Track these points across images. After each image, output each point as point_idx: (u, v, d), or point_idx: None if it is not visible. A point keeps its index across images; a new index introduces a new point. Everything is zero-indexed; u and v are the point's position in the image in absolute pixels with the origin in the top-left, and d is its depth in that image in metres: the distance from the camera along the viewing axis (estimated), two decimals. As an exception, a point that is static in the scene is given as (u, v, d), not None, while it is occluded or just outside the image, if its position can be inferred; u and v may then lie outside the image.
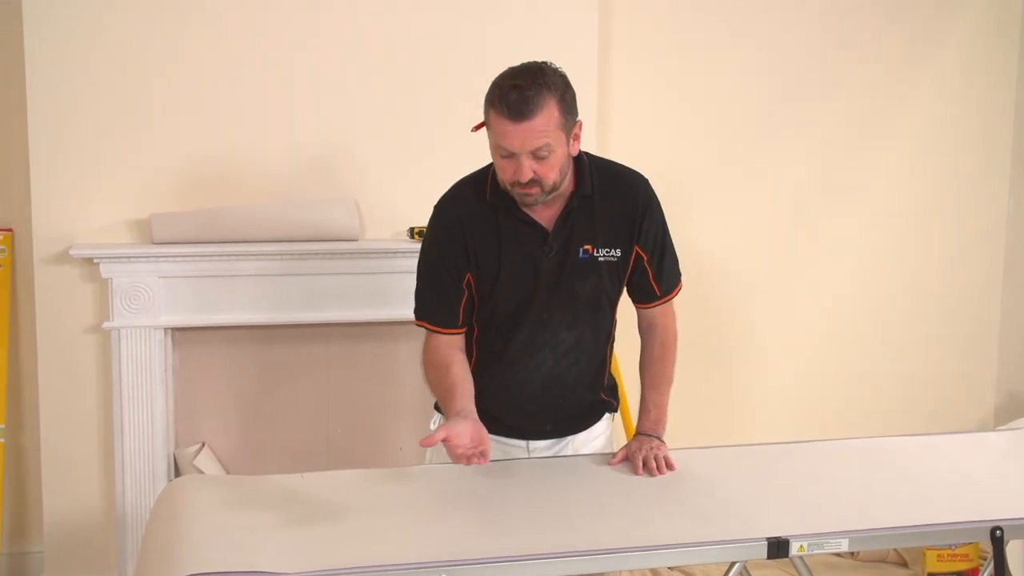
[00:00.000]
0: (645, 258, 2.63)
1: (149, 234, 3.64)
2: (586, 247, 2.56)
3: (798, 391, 4.49)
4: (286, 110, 3.74)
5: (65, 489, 3.74)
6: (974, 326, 4.64)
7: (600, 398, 2.77)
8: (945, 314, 4.60)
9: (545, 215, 2.55)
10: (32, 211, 3.62)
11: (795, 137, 4.35)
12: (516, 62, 3.78)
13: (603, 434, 2.81)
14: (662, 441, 2.65)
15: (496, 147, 2.43)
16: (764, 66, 4.29)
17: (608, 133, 4.10)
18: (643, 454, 2.59)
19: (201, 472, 3.71)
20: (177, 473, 3.77)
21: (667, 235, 2.67)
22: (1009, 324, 4.62)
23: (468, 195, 2.60)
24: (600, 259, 2.57)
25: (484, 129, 2.48)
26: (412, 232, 3.75)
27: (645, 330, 2.75)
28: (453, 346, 2.61)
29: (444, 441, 2.35)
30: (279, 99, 3.73)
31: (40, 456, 3.73)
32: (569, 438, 2.74)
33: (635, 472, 2.56)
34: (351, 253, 3.71)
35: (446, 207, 2.62)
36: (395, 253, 3.72)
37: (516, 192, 2.46)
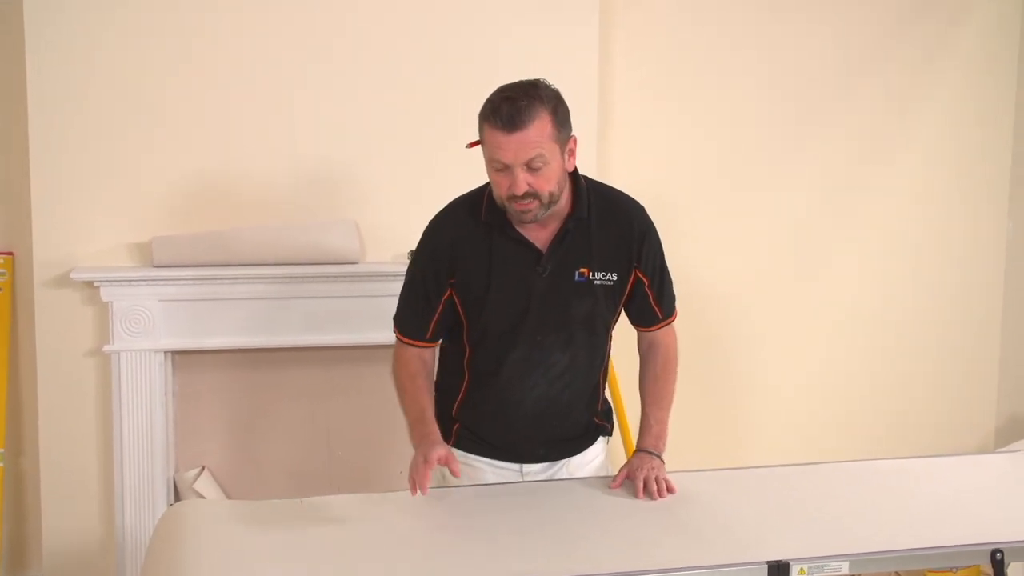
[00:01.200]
0: (646, 282, 2.65)
1: (150, 257, 3.64)
2: (582, 270, 2.57)
3: (799, 413, 4.48)
4: (287, 133, 3.75)
5: (64, 513, 3.73)
6: (975, 349, 4.63)
7: (594, 422, 2.77)
8: (946, 337, 4.59)
9: (540, 236, 2.56)
10: (33, 234, 3.63)
11: (797, 157, 4.35)
12: (513, 77, 3.82)
13: (597, 457, 2.80)
14: (662, 460, 2.64)
15: (491, 161, 2.45)
16: (767, 83, 4.29)
17: (608, 150, 4.11)
18: (643, 474, 2.58)
19: (201, 496, 3.71)
20: (177, 497, 3.76)
21: (664, 260, 2.69)
22: (1009, 347, 4.62)
23: (462, 213, 2.61)
24: (596, 282, 2.58)
25: (480, 148, 2.49)
26: (412, 255, 3.76)
27: (646, 350, 2.77)
28: (420, 358, 2.67)
29: (442, 462, 2.46)
30: (280, 122, 3.74)
31: (40, 480, 3.72)
32: (563, 461, 2.74)
33: (635, 495, 2.55)
34: (352, 276, 3.71)
35: (438, 225, 2.65)
36: (396, 276, 3.69)
37: (513, 208, 2.47)
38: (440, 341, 2.70)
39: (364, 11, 3.76)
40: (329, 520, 2.43)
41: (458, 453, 2.69)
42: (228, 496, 3.81)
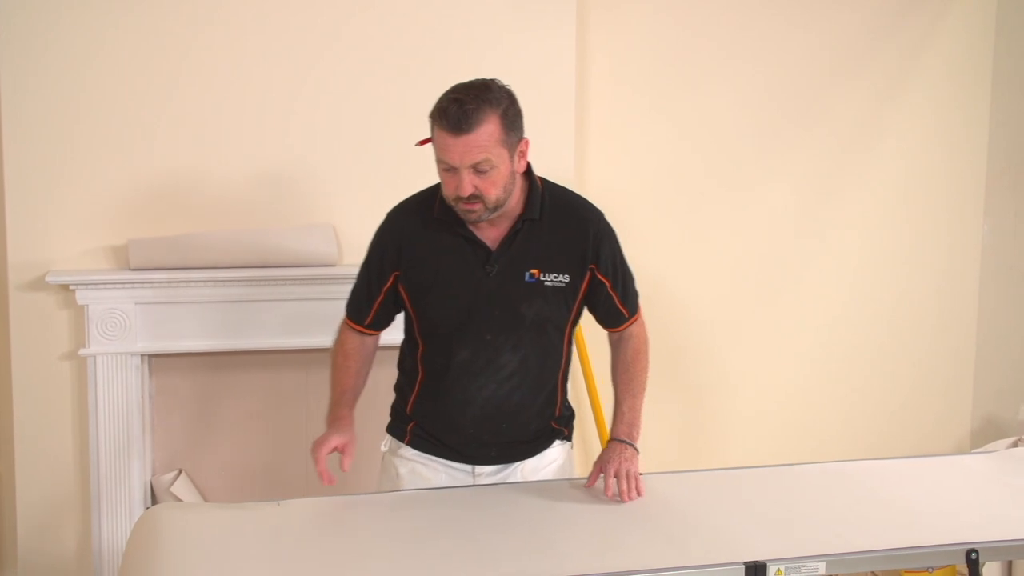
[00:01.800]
0: (607, 284, 2.66)
1: (126, 260, 3.63)
2: (532, 271, 2.57)
3: (776, 416, 4.50)
4: (263, 136, 3.74)
5: (41, 517, 3.72)
6: (950, 351, 4.66)
7: (550, 426, 2.76)
8: (921, 339, 4.62)
9: (490, 235, 2.57)
10: (7, 238, 3.61)
11: (774, 158, 4.37)
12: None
13: (554, 462, 2.78)
14: (636, 449, 2.63)
15: (438, 161, 2.46)
16: (745, 84, 4.30)
17: (585, 151, 4.12)
18: (615, 467, 2.57)
19: (178, 499, 3.69)
20: (154, 501, 3.75)
21: (624, 260, 2.71)
22: (984, 349, 4.65)
23: (415, 208, 2.64)
24: (547, 284, 2.58)
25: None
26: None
27: (617, 342, 2.78)
28: (359, 340, 2.73)
29: (339, 450, 2.56)
30: (256, 125, 3.73)
31: (15, 484, 3.70)
32: (517, 464, 2.73)
33: (605, 491, 2.56)
34: (328, 278, 3.71)
35: (391, 217, 2.68)
36: (373, 279, 3.72)
37: (459, 208, 2.48)
38: (380, 331, 2.75)
39: (339, 15, 3.76)
40: (306, 522, 2.42)
41: (411, 452, 2.72)
42: (205, 499, 3.80)
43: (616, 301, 2.69)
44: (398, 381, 2.80)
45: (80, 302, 3.58)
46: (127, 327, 3.60)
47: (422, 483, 2.69)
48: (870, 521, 2.48)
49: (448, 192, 2.47)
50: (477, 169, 2.42)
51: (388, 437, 2.81)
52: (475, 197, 2.44)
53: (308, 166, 3.78)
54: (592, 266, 2.63)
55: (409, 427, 2.73)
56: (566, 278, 2.60)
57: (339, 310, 3.67)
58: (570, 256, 2.60)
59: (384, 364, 2.85)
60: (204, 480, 3.86)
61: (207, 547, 2.26)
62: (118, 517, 3.64)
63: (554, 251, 2.59)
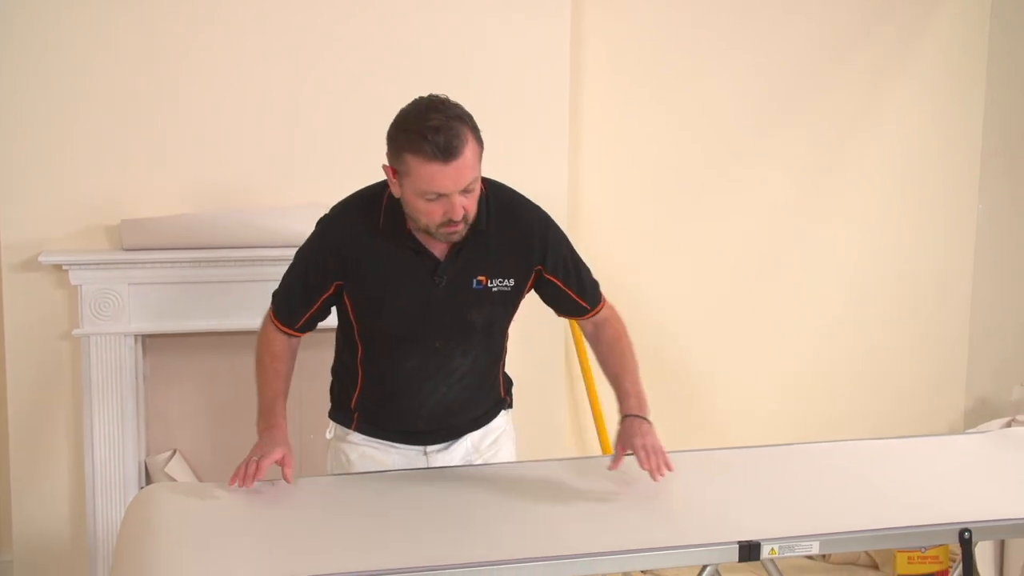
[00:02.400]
0: (559, 283, 2.63)
1: (119, 240, 3.62)
2: (480, 277, 2.54)
3: (771, 398, 4.50)
4: (257, 116, 3.73)
5: (34, 497, 3.72)
6: (944, 332, 4.67)
7: (495, 400, 2.77)
8: (916, 320, 4.63)
9: (438, 245, 2.51)
10: (0, 217, 3.59)
11: (770, 143, 4.37)
12: (481, 81, 3.83)
13: (500, 428, 2.78)
14: (650, 422, 2.58)
15: (420, 193, 2.36)
16: (741, 73, 4.31)
17: (580, 142, 4.12)
18: (640, 441, 2.51)
19: (172, 479, 3.69)
20: (148, 481, 3.75)
21: (575, 255, 2.67)
22: (978, 331, 4.65)
23: (357, 216, 2.56)
24: (494, 290, 2.55)
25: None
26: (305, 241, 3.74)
27: (592, 332, 2.76)
28: (287, 341, 2.66)
29: (279, 463, 2.49)
30: (250, 105, 3.72)
31: (9, 464, 3.70)
32: (466, 436, 2.73)
33: (640, 465, 2.48)
34: (323, 259, 3.70)
35: (332, 224, 2.60)
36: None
37: (442, 232, 2.42)
38: (307, 333, 2.69)
39: (334, -1, 3.75)
40: (301, 501, 2.42)
41: (359, 437, 2.71)
42: (200, 479, 3.80)
43: (572, 296, 2.66)
44: (336, 369, 2.77)
45: (73, 282, 3.57)
46: (121, 307, 3.60)
47: (374, 465, 2.68)
48: (863, 501, 2.49)
49: (431, 220, 2.39)
50: (465, 191, 2.37)
51: (332, 424, 2.78)
52: (462, 218, 2.39)
53: (301, 146, 3.78)
54: (539, 267, 2.60)
55: (355, 415, 2.71)
56: (511, 282, 2.57)
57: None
58: (515, 260, 2.57)
59: (321, 346, 2.82)
60: (198, 460, 3.86)
61: (201, 527, 2.27)
62: (113, 497, 3.64)
63: (499, 257, 2.55)
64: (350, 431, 2.72)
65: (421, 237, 2.49)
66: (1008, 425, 3.90)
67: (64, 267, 3.56)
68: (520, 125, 3.83)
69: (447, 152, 2.31)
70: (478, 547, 2.18)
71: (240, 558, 2.09)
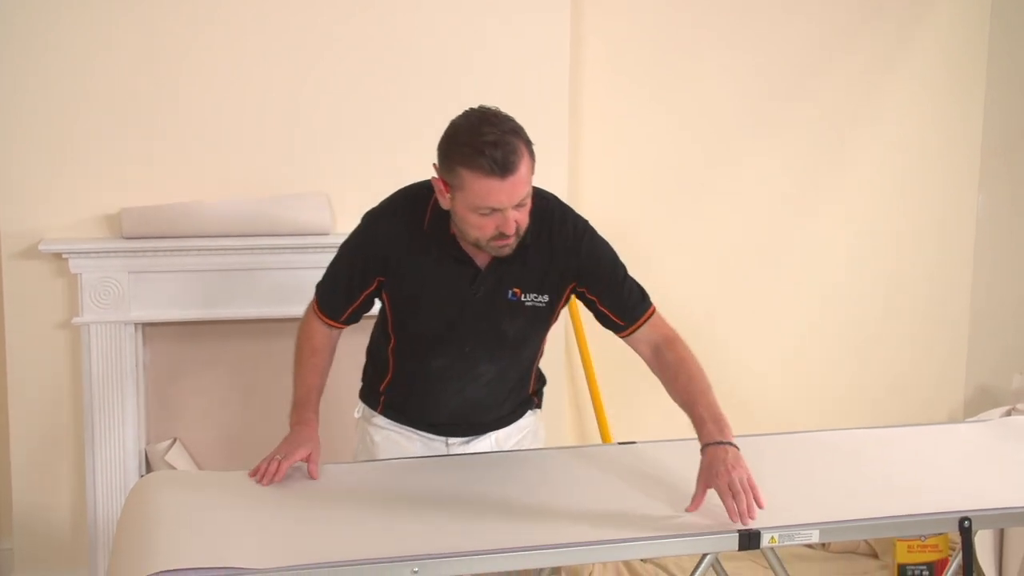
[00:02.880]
0: (594, 300, 2.59)
1: (119, 229, 3.62)
2: (515, 290, 2.53)
3: (770, 386, 4.51)
4: (258, 104, 3.73)
5: (35, 485, 3.72)
6: (945, 323, 4.67)
7: (522, 400, 2.76)
8: (916, 310, 4.62)
9: (480, 255, 2.49)
10: (0, 206, 3.59)
11: (771, 134, 4.36)
12: (483, 67, 3.82)
13: (526, 429, 2.78)
14: (735, 446, 2.35)
15: (474, 208, 2.33)
16: (740, 68, 4.30)
17: (580, 142, 4.12)
18: (724, 481, 2.26)
19: (173, 468, 3.70)
20: (149, 469, 3.75)
21: (618, 271, 2.60)
22: (978, 320, 4.65)
23: (403, 216, 2.54)
24: (527, 303, 2.54)
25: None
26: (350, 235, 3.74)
27: (652, 359, 2.61)
28: (328, 334, 2.66)
29: (304, 460, 2.48)
30: (251, 94, 3.72)
31: (9, 452, 3.71)
32: (491, 433, 2.73)
33: (729, 515, 2.23)
34: (323, 247, 3.68)
35: (377, 221, 2.58)
36: (367, 247, 3.71)
37: (493, 246, 2.39)
38: (350, 325, 2.68)
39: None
40: (301, 489, 2.42)
41: (384, 421, 2.73)
42: (200, 467, 3.80)
43: (606, 312, 2.60)
44: (370, 352, 2.79)
45: (73, 271, 3.56)
46: (121, 296, 3.60)
47: (398, 451, 2.70)
48: (863, 490, 2.49)
49: (483, 234, 2.36)
50: (519, 205, 2.35)
51: (361, 404, 2.81)
52: (514, 232, 2.37)
53: (303, 135, 3.77)
54: (573, 283, 2.57)
55: (382, 399, 2.73)
56: (545, 299, 2.55)
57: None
58: (550, 276, 2.54)
59: (355, 331, 2.81)
60: (199, 449, 3.86)
61: (202, 514, 2.27)
62: (113, 486, 3.64)
63: (535, 271, 2.52)
64: (376, 414, 2.74)
65: (464, 244, 2.48)
66: (1008, 414, 3.90)
67: (64, 256, 3.56)
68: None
69: (504, 168, 2.28)
70: (476, 535, 2.18)
71: (240, 546, 2.09)
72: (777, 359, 4.51)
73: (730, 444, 2.34)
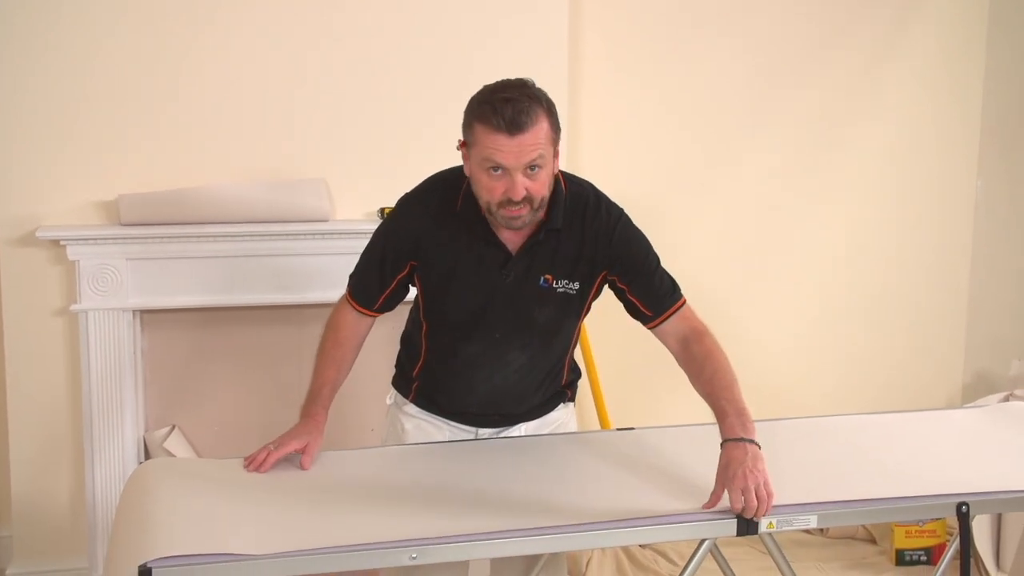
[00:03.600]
0: (624, 289, 2.57)
1: (117, 216, 3.61)
2: (546, 276, 2.52)
3: (769, 373, 4.50)
4: (257, 90, 3.72)
5: (33, 473, 3.72)
6: (943, 307, 4.67)
7: (554, 392, 2.75)
8: (915, 295, 4.63)
9: (512, 239, 2.49)
10: (-3, 193, 3.59)
11: (771, 120, 4.37)
12: (482, 56, 3.82)
13: (557, 421, 2.77)
14: (757, 444, 2.30)
15: (484, 163, 2.34)
16: (740, 50, 4.30)
17: (579, 130, 4.11)
18: (740, 482, 2.21)
19: (171, 455, 3.70)
20: (147, 457, 3.75)
21: (648, 262, 2.57)
22: (976, 306, 4.65)
23: (436, 199, 2.54)
24: (559, 290, 2.53)
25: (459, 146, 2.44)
26: (382, 212, 3.74)
27: (680, 352, 2.58)
28: (356, 325, 2.64)
29: (299, 451, 2.48)
30: (250, 79, 3.71)
31: (8, 440, 3.71)
32: (521, 424, 2.73)
33: (732, 508, 2.22)
34: (321, 234, 3.70)
35: (411, 209, 2.57)
36: (366, 233, 3.66)
37: (502, 214, 2.39)
38: (384, 314, 2.67)
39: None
40: (300, 476, 2.43)
41: (414, 409, 2.73)
42: (198, 455, 3.81)
43: (635, 302, 2.58)
44: (404, 338, 2.77)
45: (71, 257, 3.56)
46: (119, 283, 3.59)
47: (426, 439, 2.70)
48: (861, 475, 2.49)
49: (493, 196, 2.37)
50: (529, 169, 2.35)
51: (393, 391, 2.80)
52: (524, 200, 2.36)
53: (301, 121, 3.76)
54: (605, 271, 2.55)
55: (414, 386, 2.73)
56: (576, 286, 2.54)
57: (331, 265, 3.70)
58: (582, 264, 2.53)
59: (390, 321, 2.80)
60: (197, 436, 3.86)
61: (199, 501, 2.27)
62: (111, 473, 3.65)
63: (567, 258, 2.52)
64: (408, 402, 2.74)
65: (496, 228, 2.48)
66: (1006, 399, 3.90)
67: (62, 242, 3.56)
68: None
69: (512, 124, 2.30)
70: (475, 521, 2.18)
71: (238, 532, 2.09)
72: (776, 346, 4.51)
73: (751, 442, 2.29)
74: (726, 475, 2.25)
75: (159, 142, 3.67)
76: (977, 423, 2.90)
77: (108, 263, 3.58)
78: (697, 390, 2.50)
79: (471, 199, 2.46)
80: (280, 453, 2.46)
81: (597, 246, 2.53)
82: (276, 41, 3.71)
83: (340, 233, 3.71)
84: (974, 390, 4.61)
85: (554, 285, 2.53)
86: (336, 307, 2.68)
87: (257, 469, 2.43)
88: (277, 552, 2.02)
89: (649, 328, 2.60)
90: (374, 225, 3.66)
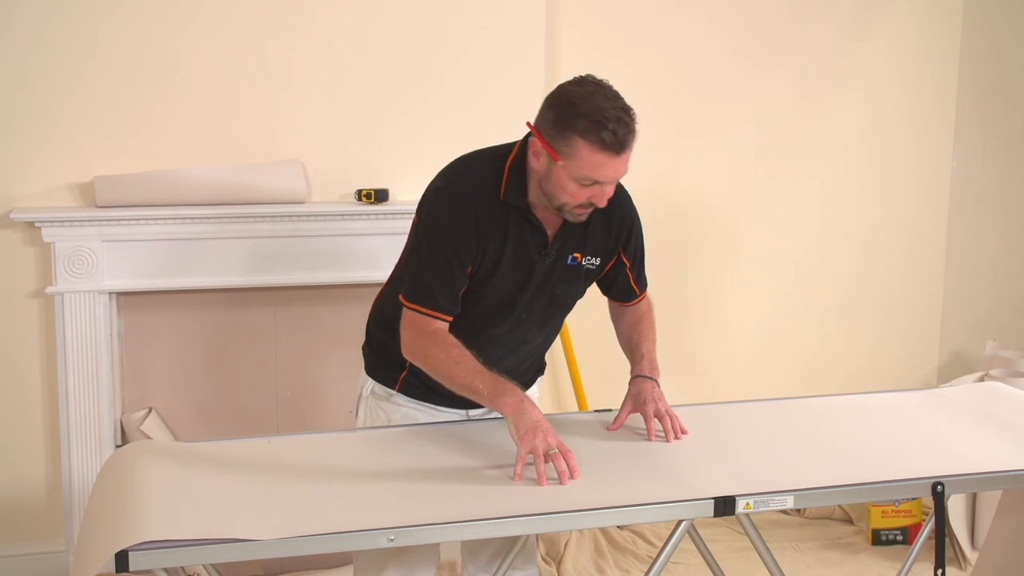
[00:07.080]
0: (628, 264, 2.69)
1: (92, 198, 3.59)
2: (575, 255, 2.57)
3: (745, 354, 4.52)
4: (232, 71, 3.69)
5: (9, 456, 3.71)
6: (919, 288, 4.69)
7: (539, 367, 2.83)
8: (890, 276, 4.65)
9: (550, 221, 2.52)
10: (-30, 175, 3.56)
11: (746, 96, 4.37)
12: (459, 36, 3.80)
13: (534, 396, 2.83)
14: (659, 386, 2.62)
15: (579, 177, 2.35)
16: (715, 27, 4.30)
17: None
18: (652, 407, 2.56)
19: (148, 437, 3.68)
20: (124, 440, 3.74)
21: (643, 243, 2.72)
22: (952, 286, 4.68)
23: (484, 186, 2.49)
24: (584, 266, 2.60)
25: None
26: (359, 194, 3.72)
27: (621, 313, 2.81)
28: (446, 329, 2.50)
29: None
30: (227, 61, 3.68)
31: (-17, 423, 3.70)
32: None
33: (648, 434, 2.56)
34: (298, 216, 3.68)
35: (461, 193, 2.50)
36: (342, 216, 3.70)
37: (575, 212, 2.43)
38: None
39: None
40: (277, 458, 2.42)
41: (403, 399, 2.70)
42: (176, 437, 3.80)
43: (631, 280, 2.72)
44: (384, 323, 2.68)
45: (46, 239, 3.54)
46: (94, 265, 3.57)
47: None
48: (837, 456, 2.50)
49: (573, 200, 2.39)
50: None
51: (371, 381, 2.74)
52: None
53: (277, 102, 3.74)
54: (621, 249, 2.65)
55: (401, 375, 2.68)
56: (597, 261, 2.61)
57: (308, 247, 3.69)
58: (607, 241, 2.61)
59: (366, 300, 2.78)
60: (174, 419, 3.85)
61: (177, 485, 2.26)
62: (88, 455, 3.63)
63: (595, 235, 2.58)
64: (393, 392, 2.70)
65: (538, 211, 2.50)
66: (981, 380, 3.93)
67: (36, 224, 3.53)
68: (497, 99, 3.83)
69: (622, 145, 2.34)
70: (453, 504, 2.19)
71: (215, 518, 2.08)
72: (751, 326, 4.53)
73: (656, 382, 2.62)
74: (637, 401, 2.60)
75: (135, 124, 3.64)
76: (952, 403, 2.92)
77: (84, 245, 3.56)
78: (619, 339, 2.79)
79: (514, 184, 2.48)
80: (571, 453, 2.31)
81: (623, 222, 2.62)
82: (253, 23, 3.69)
83: (316, 215, 3.69)
84: (950, 370, 4.64)
85: (582, 262, 2.59)
86: (413, 338, 2.50)
87: (573, 476, 2.28)
88: (262, 538, 2.00)
89: (630, 305, 2.78)
90: (350, 207, 3.69)
